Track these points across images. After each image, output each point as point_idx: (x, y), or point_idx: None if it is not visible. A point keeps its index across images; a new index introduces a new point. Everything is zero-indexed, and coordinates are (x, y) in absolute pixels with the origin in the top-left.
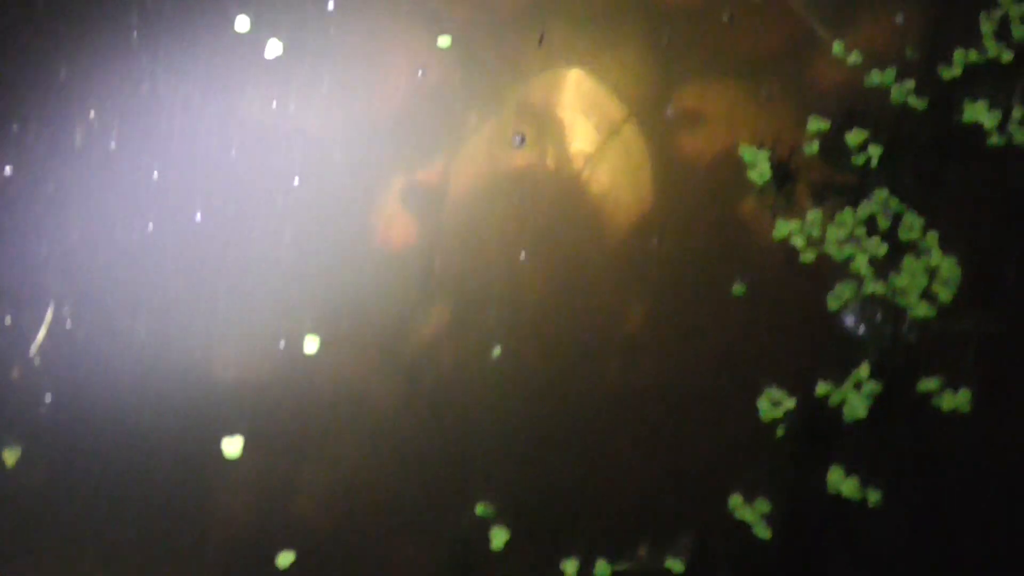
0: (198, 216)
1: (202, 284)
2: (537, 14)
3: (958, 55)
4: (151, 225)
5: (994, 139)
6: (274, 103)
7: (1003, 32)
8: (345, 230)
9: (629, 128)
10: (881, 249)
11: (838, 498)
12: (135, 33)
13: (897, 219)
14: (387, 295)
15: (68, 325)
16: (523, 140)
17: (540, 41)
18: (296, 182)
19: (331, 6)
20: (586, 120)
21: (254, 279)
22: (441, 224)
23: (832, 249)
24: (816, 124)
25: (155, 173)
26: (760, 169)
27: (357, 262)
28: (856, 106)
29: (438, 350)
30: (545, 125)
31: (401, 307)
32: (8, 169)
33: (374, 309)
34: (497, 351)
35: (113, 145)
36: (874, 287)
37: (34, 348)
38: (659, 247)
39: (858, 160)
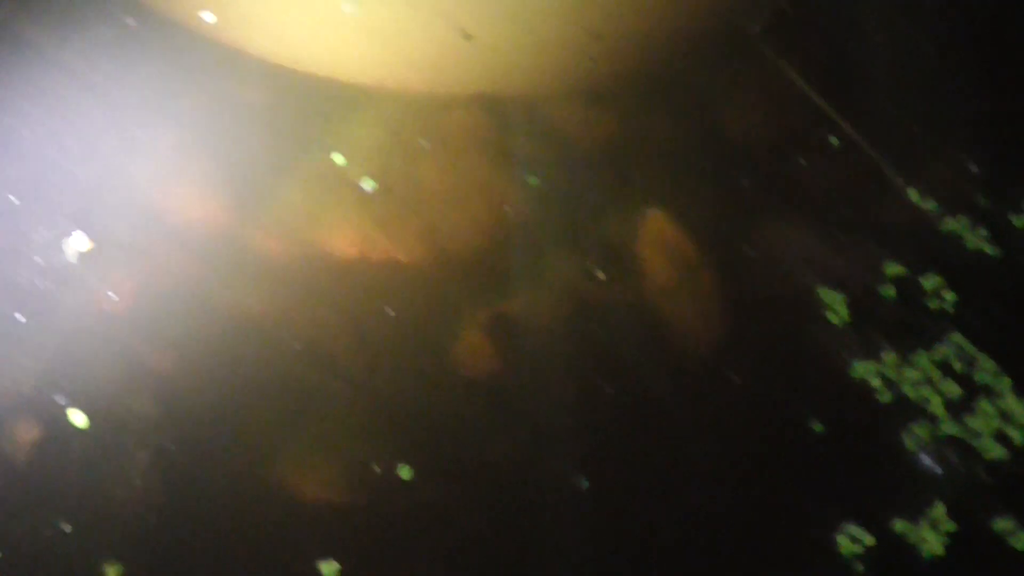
0: (296, 345)
1: (297, 410)
2: (620, 156)
3: None
4: (249, 354)
5: None
6: (366, 236)
7: None
8: (432, 359)
9: (706, 265)
10: (955, 391)
11: None
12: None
13: (971, 363)
14: (471, 423)
15: (171, 449)
16: (603, 275)
17: (622, 181)
18: (390, 313)
19: (424, 144)
20: (664, 257)
21: (347, 406)
22: (524, 354)
23: (908, 390)
24: (892, 268)
25: (253, 305)
26: (838, 310)
27: (443, 390)
28: (932, 252)
29: (524, 478)
30: (625, 261)
31: (485, 435)
32: (113, 294)
33: (460, 436)
34: (584, 482)
35: None
36: (949, 428)
37: (136, 470)
38: (739, 383)
39: (933, 304)
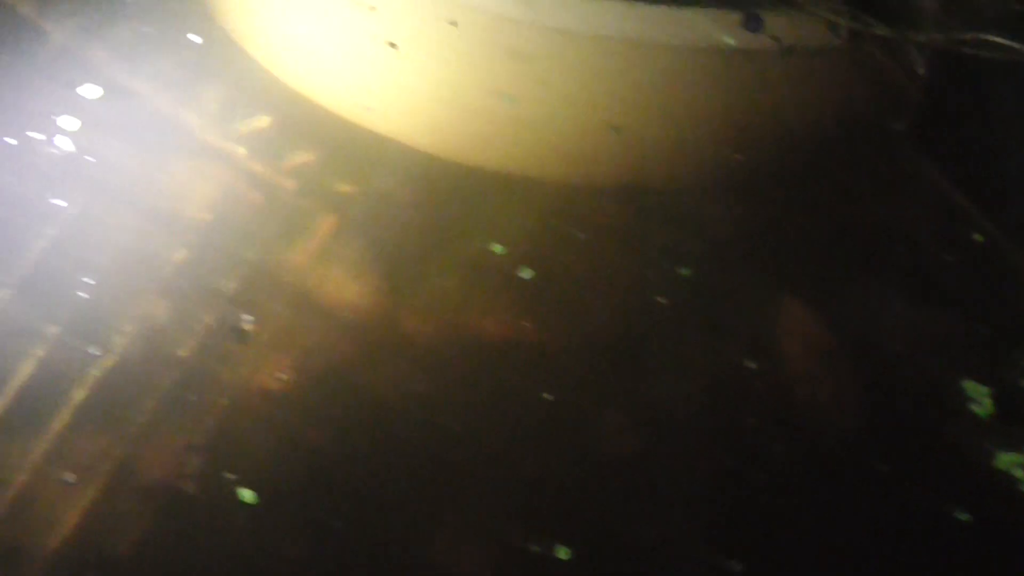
0: (453, 426)
1: (454, 490)
2: (766, 249)
3: None
4: (405, 434)
5: None
6: (521, 323)
7: None
8: (575, 441)
9: (851, 357)
10: None
11: None
12: None
13: None
14: (625, 506)
15: (336, 526)
16: (754, 364)
17: (770, 273)
18: (547, 397)
19: (579, 234)
20: (808, 347)
21: (504, 487)
22: (666, 439)
23: None
24: None
25: (409, 386)
26: (982, 403)
27: (597, 474)
28: None
29: (677, 559)
30: (771, 350)
31: (639, 517)
32: (273, 373)
33: (614, 519)
34: (738, 566)
35: None
36: None
37: (302, 544)
38: (885, 471)
39: None
